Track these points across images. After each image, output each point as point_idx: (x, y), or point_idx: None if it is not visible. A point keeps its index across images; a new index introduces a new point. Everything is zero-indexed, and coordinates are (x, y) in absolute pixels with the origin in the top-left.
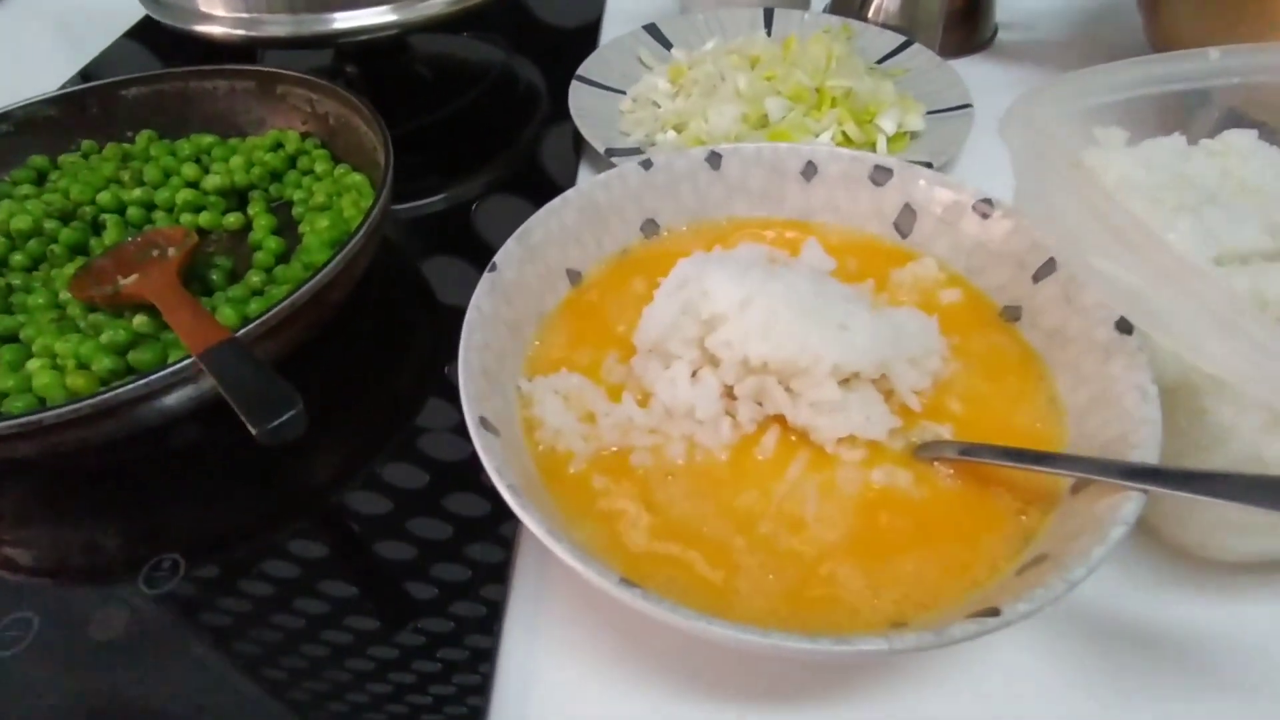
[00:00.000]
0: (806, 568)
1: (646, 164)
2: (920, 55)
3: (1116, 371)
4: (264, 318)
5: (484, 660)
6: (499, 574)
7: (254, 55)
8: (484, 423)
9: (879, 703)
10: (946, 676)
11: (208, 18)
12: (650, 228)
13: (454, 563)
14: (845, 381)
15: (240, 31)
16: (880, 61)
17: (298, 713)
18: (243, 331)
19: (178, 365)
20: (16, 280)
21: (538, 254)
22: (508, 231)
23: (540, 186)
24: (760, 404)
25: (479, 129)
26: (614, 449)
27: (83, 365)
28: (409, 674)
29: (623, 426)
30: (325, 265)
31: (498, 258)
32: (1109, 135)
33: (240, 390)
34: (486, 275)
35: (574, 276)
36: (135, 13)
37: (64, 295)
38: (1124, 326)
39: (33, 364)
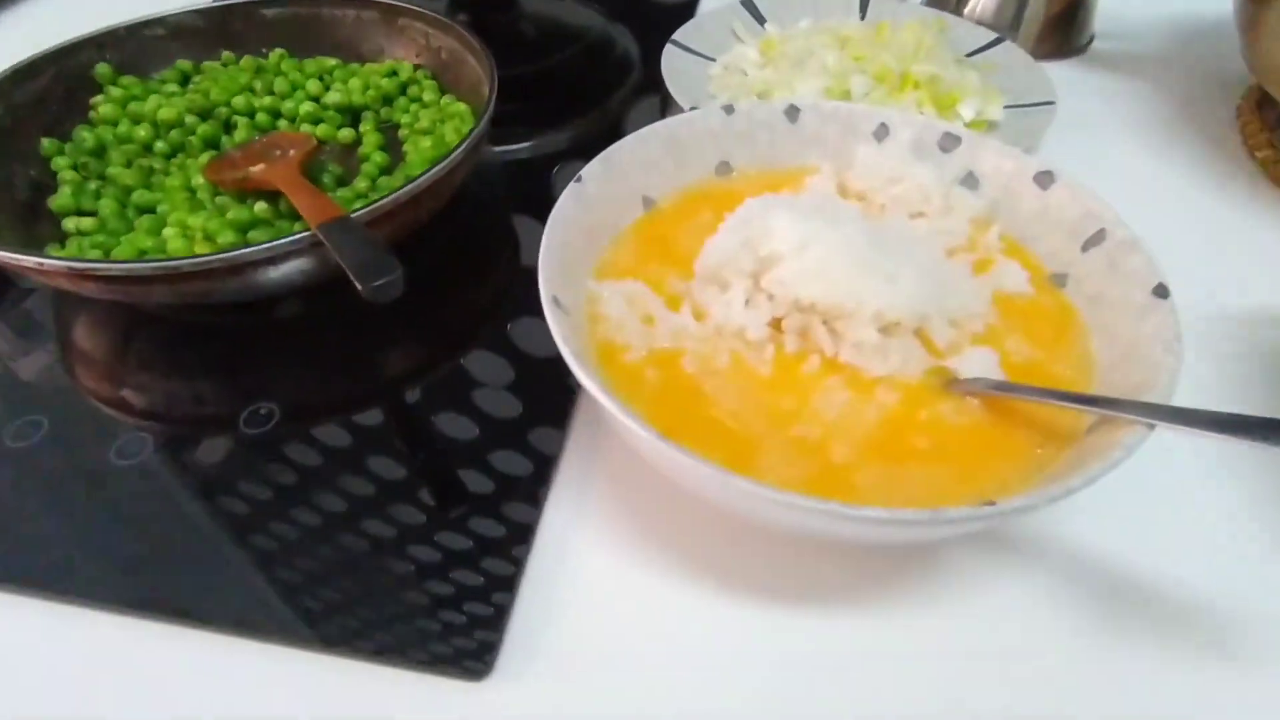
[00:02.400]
0: (826, 464)
1: (729, 109)
2: (1011, 53)
3: (1148, 330)
4: (372, 206)
5: (526, 533)
6: (548, 465)
7: None
8: (556, 301)
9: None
10: (944, 598)
11: None
12: (724, 169)
13: (515, 448)
14: (886, 328)
15: None
16: (970, 55)
17: (363, 537)
18: (354, 213)
19: (298, 235)
20: (158, 164)
21: (619, 175)
22: None
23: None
24: (803, 339)
25: (572, 88)
26: (667, 348)
27: (208, 237)
28: (462, 535)
29: (677, 332)
30: (429, 170)
31: (584, 172)
32: None
33: (351, 254)
34: (572, 185)
35: (648, 202)
36: None
37: (196, 180)
38: (1160, 291)
39: (168, 231)
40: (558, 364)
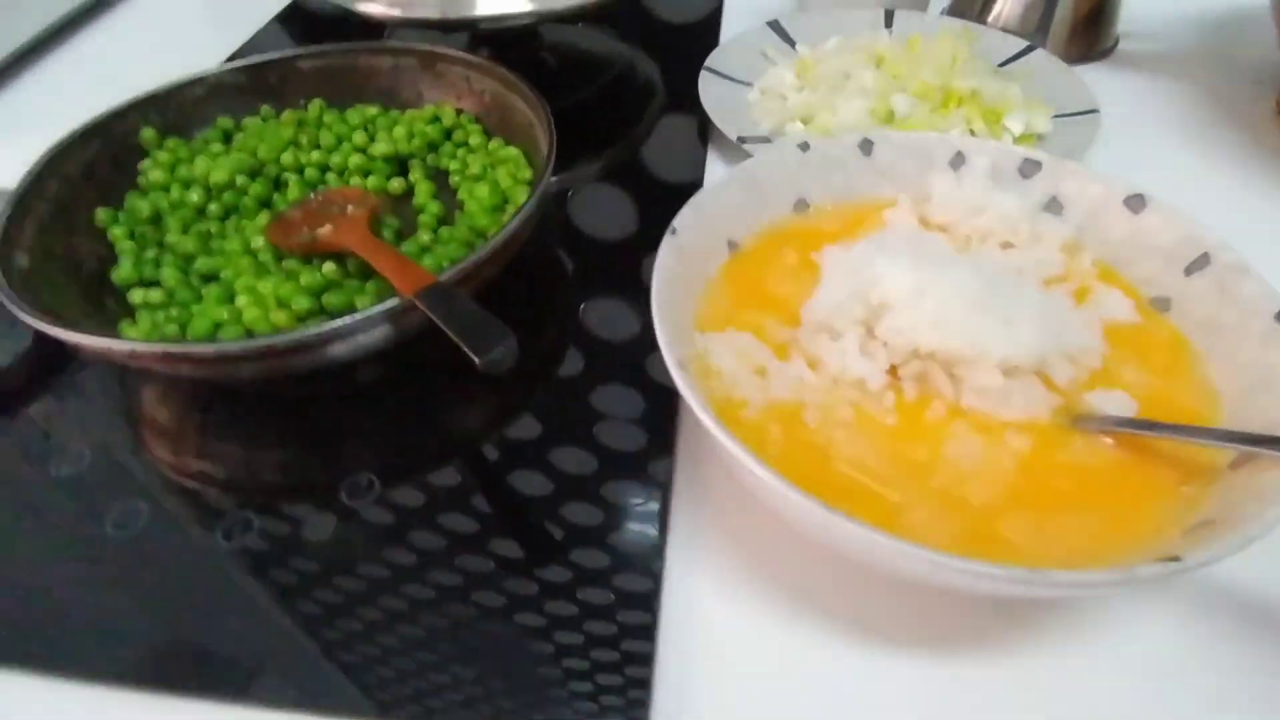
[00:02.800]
0: (972, 516)
1: (804, 146)
2: (1044, 60)
3: (1276, 359)
4: (462, 266)
5: (649, 600)
6: (660, 514)
7: (382, 34)
8: (681, 364)
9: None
10: (1089, 639)
11: None
12: (801, 206)
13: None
14: (1008, 371)
15: (395, 12)
16: (1003, 65)
17: (476, 609)
18: (443, 277)
19: (391, 303)
20: (214, 227)
21: (707, 221)
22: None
23: (666, 170)
24: (922, 385)
25: (599, 116)
26: (786, 400)
27: (282, 304)
28: (587, 606)
29: (793, 384)
30: (511, 222)
31: (677, 222)
32: None
33: (460, 324)
34: (668, 238)
35: (732, 246)
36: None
37: (255, 242)
38: None
39: (241, 300)
40: (635, 406)
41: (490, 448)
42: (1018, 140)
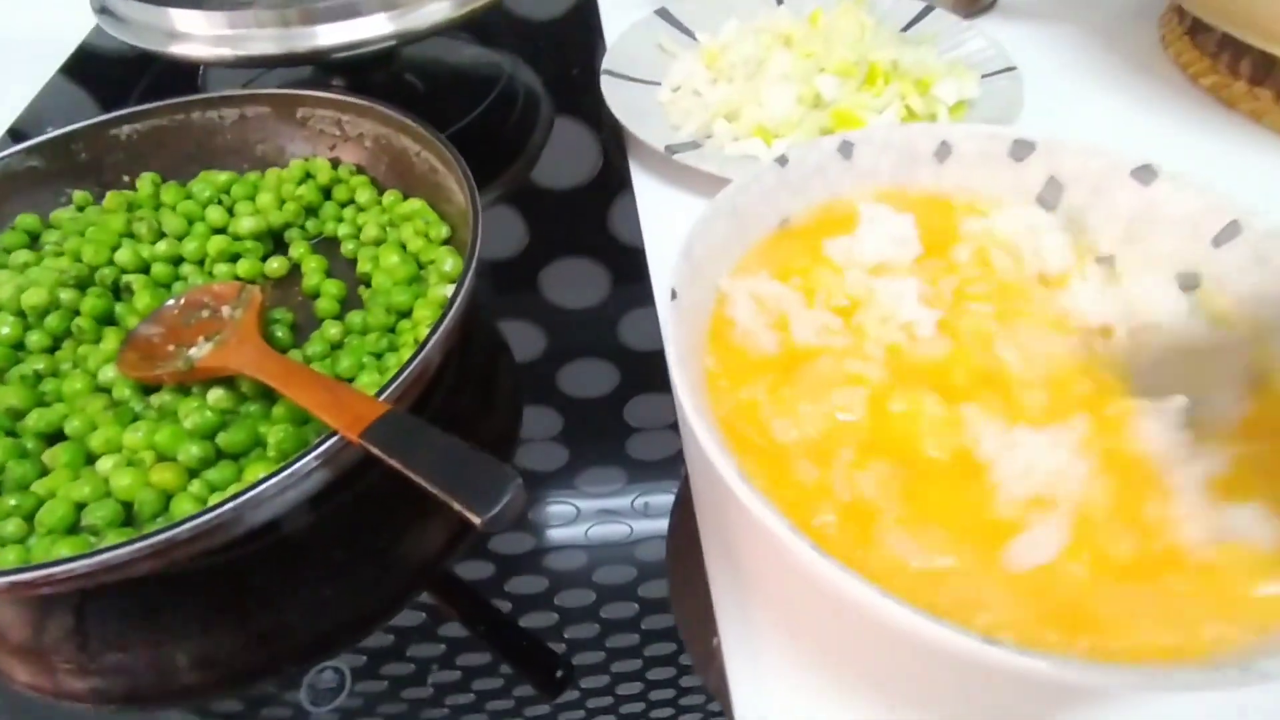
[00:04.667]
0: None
1: (782, 160)
2: (943, 20)
3: None
4: (401, 379)
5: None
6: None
7: (195, 80)
8: (728, 457)
9: None
10: None
11: (186, 37)
12: (784, 224)
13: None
14: None
15: (225, 50)
16: (905, 29)
17: None
18: (384, 396)
19: (325, 445)
20: (40, 364)
21: (701, 271)
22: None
23: (573, 178)
24: None
25: (482, 135)
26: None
27: (164, 458)
28: None
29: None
30: (454, 299)
31: (674, 284)
32: None
33: (439, 472)
34: (670, 303)
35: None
36: (61, 46)
37: (104, 376)
38: None
39: (103, 464)
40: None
41: (465, 566)
42: (952, 110)
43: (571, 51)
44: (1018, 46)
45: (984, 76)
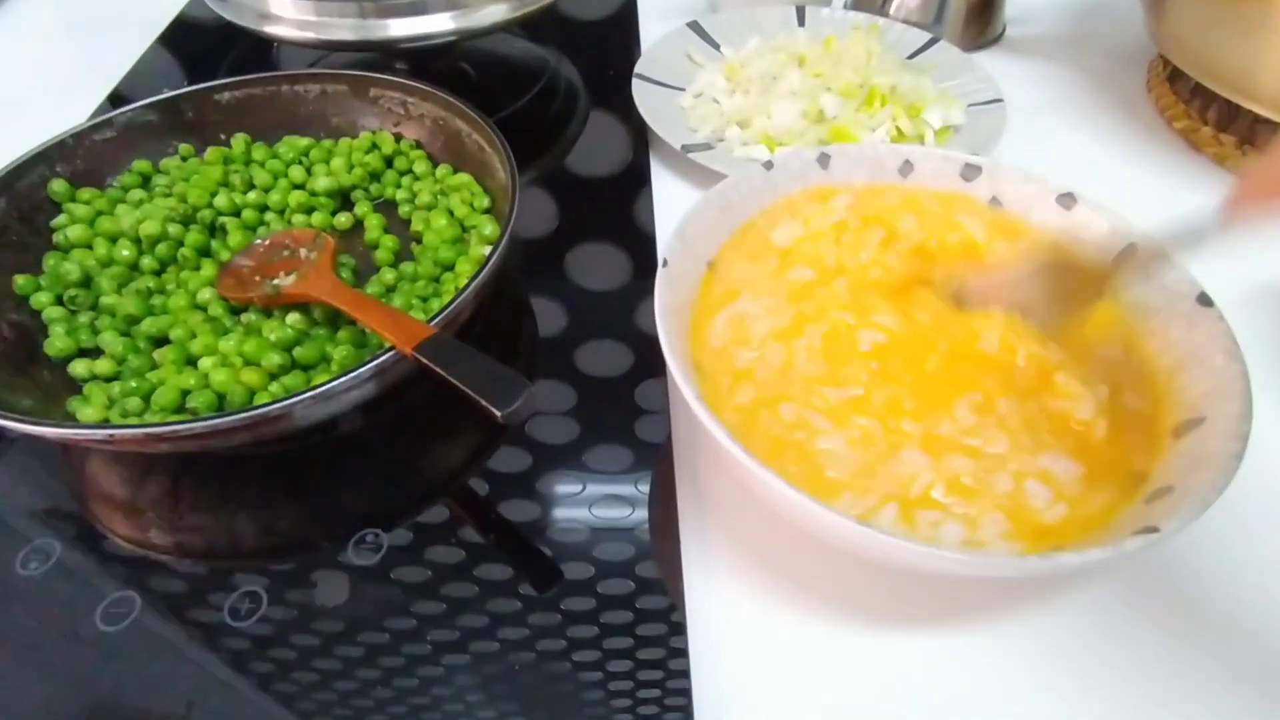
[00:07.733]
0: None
1: (769, 165)
2: (946, 51)
3: (1201, 338)
4: (448, 311)
5: (678, 627)
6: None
7: (268, 56)
8: (715, 420)
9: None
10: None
11: (277, 19)
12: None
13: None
14: None
15: (310, 34)
16: (910, 57)
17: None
18: (435, 322)
19: (384, 358)
20: (150, 284)
21: (690, 248)
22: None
23: (604, 168)
24: None
25: (526, 124)
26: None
27: (250, 362)
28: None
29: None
30: (491, 260)
31: (666, 254)
32: None
33: (473, 379)
34: (661, 271)
35: (710, 265)
36: (160, 16)
37: (203, 296)
38: (1204, 300)
39: (205, 363)
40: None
41: (480, 481)
42: (938, 133)
43: (610, 53)
44: (1014, 80)
45: (972, 105)
